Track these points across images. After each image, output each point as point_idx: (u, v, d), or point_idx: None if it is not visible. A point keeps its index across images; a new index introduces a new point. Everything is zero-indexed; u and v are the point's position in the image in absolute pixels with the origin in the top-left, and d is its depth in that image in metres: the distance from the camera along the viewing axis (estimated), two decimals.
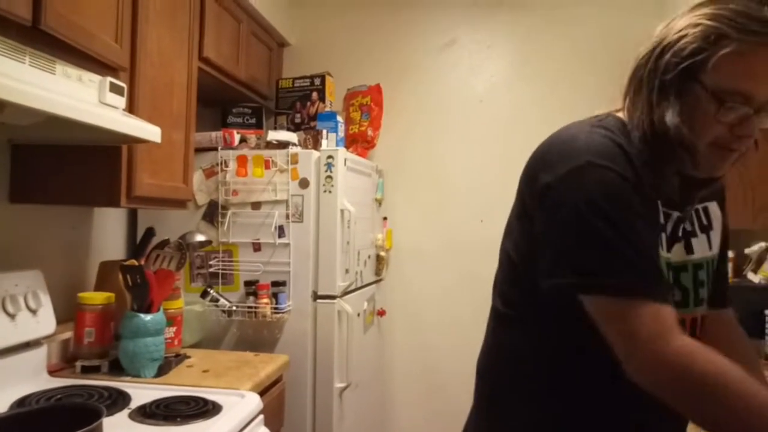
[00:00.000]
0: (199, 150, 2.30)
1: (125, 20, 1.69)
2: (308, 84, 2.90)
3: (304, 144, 2.48)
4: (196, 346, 2.24)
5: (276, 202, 2.31)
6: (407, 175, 3.13)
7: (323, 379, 2.29)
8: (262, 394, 1.77)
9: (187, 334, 2.12)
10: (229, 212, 2.33)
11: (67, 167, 1.76)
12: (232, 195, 2.34)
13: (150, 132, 1.59)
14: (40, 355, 1.71)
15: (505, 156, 3.03)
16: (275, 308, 2.24)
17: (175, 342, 2.00)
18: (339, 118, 2.71)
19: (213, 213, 2.35)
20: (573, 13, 3.06)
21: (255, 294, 2.24)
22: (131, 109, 1.73)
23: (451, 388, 2.97)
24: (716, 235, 1.10)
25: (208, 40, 2.24)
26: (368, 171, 2.76)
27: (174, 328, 1.98)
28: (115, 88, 1.60)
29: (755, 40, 0.89)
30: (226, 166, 2.34)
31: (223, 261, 2.33)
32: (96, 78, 1.55)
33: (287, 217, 2.30)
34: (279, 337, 2.30)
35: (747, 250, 2.47)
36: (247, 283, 2.28)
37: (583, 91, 3.00)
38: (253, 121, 2.75)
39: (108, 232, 2.27)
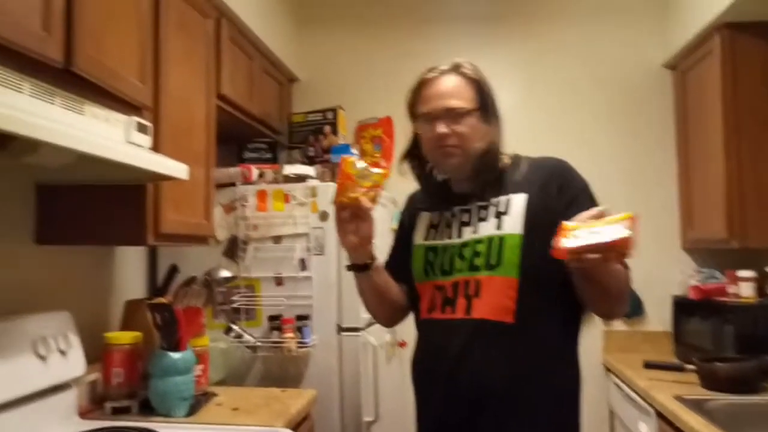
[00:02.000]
0: (218, 186, 2.31)
1: (148, 60, 1.71)
2: (321, 118, 2.92)
3: (321, 177, 2.49)
4: (221, 383, 2.21)
5: (297, 236, 2.31)
6: None
7: (351, 413, 2.25)
8: (294, 430, 1.74)
9: (212, 371, 2.10)
10: (250, 247, 2.33)
11: (93, 207, 1.76)
12: (253, 229, 2.34)
13: (177, 169, 1.60)
14: (70, 397, 1.69)
15: None
16: (300, 342, 2.22)
17: (202, 380, 1.98)
18: (354, 151, 2.72)
19: (234, 248, 2.35)
20: (579, 37, 3.11)
21: (279, 328, 2.23)
22: (155, 147, 1.74)
23: None
24: (512, 218, 1.35)
25: (224, 77, 2.27)
26: (384, 202, 2.76)
27: (201, 366, 1.96)
28: (140, 128, 1.62)
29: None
30: (246, 201, 2.35)
31: (245, 296, 2.32)
32: (122, 118, 1.57)
33: (308, 250, 2.30)
34: (304, 371, 2.27)
35: None
36: (271, 318, 2.26)
37: (593, 115, 3.05)
38: (269, 155, 2.76)
39: (129, 271, 2.27)
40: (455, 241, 1.42)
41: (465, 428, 1.34)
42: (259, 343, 2.26)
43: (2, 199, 1.66)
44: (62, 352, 1.62)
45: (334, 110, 2.92)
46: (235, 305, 2.31)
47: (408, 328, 1.61)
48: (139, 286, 2.33)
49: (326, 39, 3.30)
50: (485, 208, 1.40)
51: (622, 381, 2.60)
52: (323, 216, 2.31)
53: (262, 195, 2.35)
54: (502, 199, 1.38)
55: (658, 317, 2.96)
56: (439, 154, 1.41)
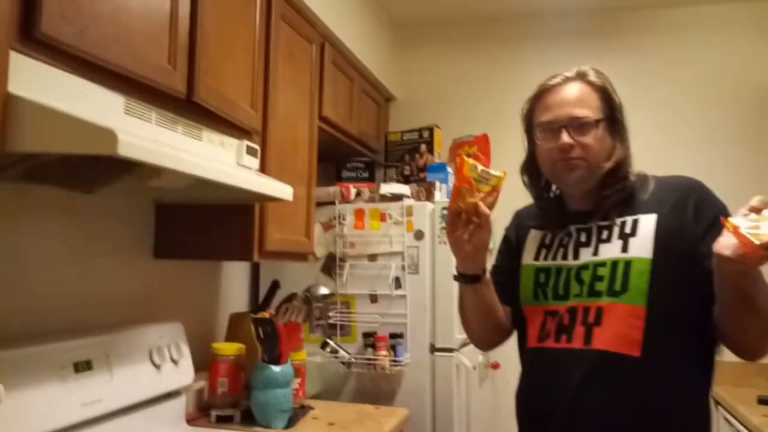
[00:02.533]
0: (317, 204, 2.39)
1: (258, 87, 1.80)
2: (417, 137, 2.96)
3: (417, 196, 2.52)
4: (315, 397, 2.27)
5: (392, 254, 2.34)
6: None
7: None
8: None
9: (308, 384, 2.16)
10: (347, 264, 2.38)
11: (205, 225, 1.87)
12: (350, 247, 2.40)
13: (284, 191, 1.67)
14: (180, 404, 1.79)
15: None
16: (393, 360, 2.24)
17: (300, 393, 2.04)
18: (449, 169, 2.74)
19: (331, 265, 2.41)
20: (681, 53, 2.97)
21: (373, 346, 2.26)
22: (262, 168, 1.83)
23: None
24: (639, 240, 1.24)
25: (326, 99, 2.35)
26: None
27: (298, 379, 2.03)
28: (250, 150, 1.71)
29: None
30: (344, 220, 2.41)
31: (341, 312, 2.37)
32: (234, 142, 1.66)
33: (403, 268, 2.33)
34: (397, 389, 2.29)
35: None
36: (365, 335, 2.31)
37: (692, 132, 2.90)
38: (366, 174, 2.83)
39: (234, 285, 2.39)
40: (571, 263, 1.31)
41: None
42: (353, 360, 2.30)
43: (127, 217, 1.80)
44: (174, 361, 1.73)
45: (430, 129, 2.95)
46: (331, 321, 2.37)
47: (502, 350, 1.56)
48: (243, 299, 2.45)
49: (423, 58, 3.33)
50: (608, 228, 1.28)
51: (734, 416, 2.44)
52: (418, 235, 2.33)
53: (359, 214, 2.40)
54: (629, 219, 1.27)
55: None
56: (562, 166, 1.29)
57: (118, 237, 1.76)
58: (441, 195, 2.55)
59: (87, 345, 1.46)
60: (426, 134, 2.95)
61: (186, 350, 1.79)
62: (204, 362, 1.95)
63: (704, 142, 2.90)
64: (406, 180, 2.87)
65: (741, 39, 2.93)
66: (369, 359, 2.26)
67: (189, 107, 1.47)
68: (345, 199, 2.44)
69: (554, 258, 1.35)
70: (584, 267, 1.28)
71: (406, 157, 2.97)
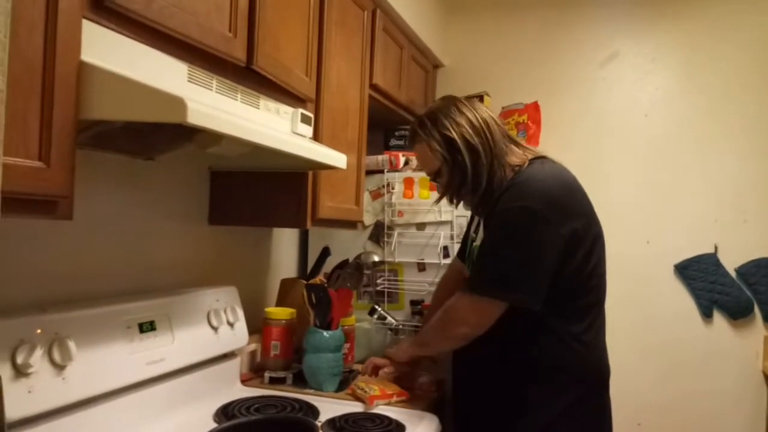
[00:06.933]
0: (366, 172, 2.39)
1: (312, 55, 1.80)
2: None
3: None
4: (361, 362, 2.30)
5: (440, 223, 2.34)
6: None
7: None
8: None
9: (356, 349, 2.20)
10: (395, 232, 2.40)
11: (258, 192, 1.90)
12: (398, 216, 2.40)
13: (338, 159, 1.68)
14: (235, 365, 1.85)
15: (672, 172, 2.87)
16: None
17: (349, 358, 2.08)
18: None
19: (379, 233, 2.43)
20: (742, 19, 2.83)
21: (421, 313, 2.28)
22: (315, 136, 1.84)
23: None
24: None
25: (376, 67, 2.33)
26: None
27: (347, 345, 2.06)
28: (305, 119, 1.72)
29: None
30: (392, 188, 2.41)
31: (388, 280, 2.40)
32: (289, 110, 1.67)
33: (451, 238, 2.33)
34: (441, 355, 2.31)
35: None
36: (413, 303, 2.33)
37: (754, 101, 2.78)
38: None
39: (283, 251, 2.43)
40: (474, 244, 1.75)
41: None
42: (401, 326, 2.33)
43: (184, 184, 1.84)
44: (230, 324, 1.78)
45: (480, 96, 2.90)
46: (378, 288, 2.40)
47: None
48: (292, 265, 2.49)
49: (472, 24, 3.27)
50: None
51: None
52: None
53: (409, 182, 2.40)
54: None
55: None
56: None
57: (176, 203, 1.81)
58: None
59: (150, 307, 1.51)
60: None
61: (241, 313, 1.84)
62: (256, 325, 2.01)
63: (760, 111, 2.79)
64: None
65: None
66: (416, 326, 2.29)
67: (247, 75, 1.48)
68: (393, 168, 2.44)
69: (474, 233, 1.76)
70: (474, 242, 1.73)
71: None
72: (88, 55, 1.02)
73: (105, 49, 1.07)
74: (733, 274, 2.76)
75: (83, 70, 1.01)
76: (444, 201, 1.76)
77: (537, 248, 1.50)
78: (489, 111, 1.67)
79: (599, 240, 1.64)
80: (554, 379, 1.56)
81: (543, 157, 1.68)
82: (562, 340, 1.55)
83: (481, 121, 1.61)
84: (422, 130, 1.64)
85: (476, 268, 1.60)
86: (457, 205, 1.80)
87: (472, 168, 1.58)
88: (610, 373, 1.69)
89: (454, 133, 1.59)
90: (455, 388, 1.79)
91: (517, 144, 1.69)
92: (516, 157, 1.64)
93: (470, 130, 1.59)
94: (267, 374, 1.91)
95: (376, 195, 2.45)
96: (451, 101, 1.68)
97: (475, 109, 1.64)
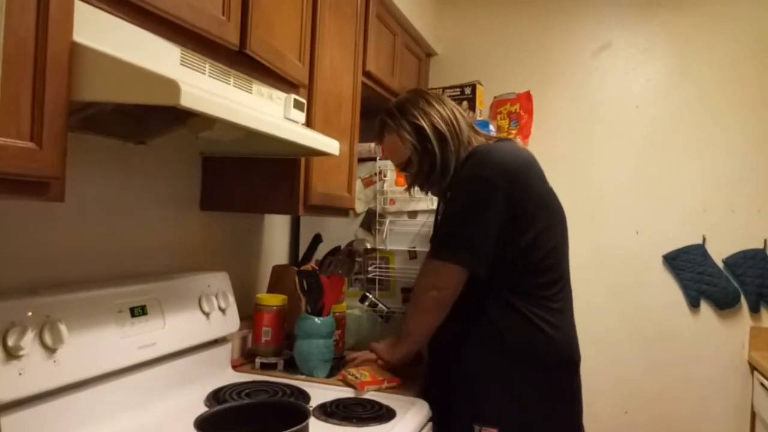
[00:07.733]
0: (359, 160, 2.39)
1: (306, 40, 1.79)
2: (458, 93, 2.91)
3: None
4: (351, 349, 2.31)
5: (432, 212, 2.34)
6: (557, 185, 3.02)
7: None
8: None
9: (346, 336, 2.20)
10: (387, 220, 2.40)
11: (250, 178, 1.90)
12: (390, 204, 2.40)
13: (331, 146, 1.67)
14: (226, 350, 1.85)
15: (662, 163, 2.89)
16: None
17: (340, 344, 2.09)
18: (492, 127, 2.71)
19: (370, 221, 2.43)
20: (736, 12, 2.84)
21: None
22: (308, 122, 1.84)
23: (598, 404, 2.85)
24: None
25: (370, 54, 2.32)
26: None
27: (338, 331, 2.07)
28: (297, 105, 1.71)
29: None
30: (385, 176, 2.41)
31: (380, 267, 2.40)
32: (282, 95, 1.67)
33: None
34: None
35: None
36: (404, 290, 2.33)
37: (748, 94, 2.79)
38: None
39: (275, 238, 2.43)
40: None
41: None
42: (392, 313, 2.34)
43: (175, 169, 1.83)
44: (222, 309, 1.78)
45: (472, 85, 2.90)
46: (370, 275, 2.40)
47: None
48: (284, 252, 2.49)
49: (465, 14, 3.26)
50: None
51: None
52: None
53: None
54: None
55: None
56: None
57: (167, 188, 1.80)
58: None
59: (141, 291, 1.51)
60: (468, 91, 2.90)
61: (232, 299, 1.84)
62: (247, 311, 2.01)
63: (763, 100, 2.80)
64: None
65: None
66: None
67: (240, 59, 1.47)
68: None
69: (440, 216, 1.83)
70: None
71: None
72: (80, 36, 1.01)
73: (98, 30, 1.06)
74: (720, 264, 2.79)
75: (76, 50, 1.00)
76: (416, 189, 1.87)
77: (481, 211, 1.57)
78: (454, 103, 1.81)
79: (557, 218, 1.74)
80: (523, 359, 1.62)
81: (508, 140, 1.80)
82: (530, 321, 1.61)
83: (448, 110, 1.72)
84: (392, 120, 1.75)
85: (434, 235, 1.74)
86: (426, 192, 1.89)
87: (440, 155, 1.69)
88: (581, 356, 1.76)
89: (424, 122, 1.69)
90: (431, 367, 1.84)
91: (479, 134, 1.80)
92: (479, 143, 1.75)
93: (438, 119, 1.69)
94: (258, 360, 1.92)
95: (368, 182, 2.45)
96: (418, 93, 1.80)
97: (442, 100, 1.76)
